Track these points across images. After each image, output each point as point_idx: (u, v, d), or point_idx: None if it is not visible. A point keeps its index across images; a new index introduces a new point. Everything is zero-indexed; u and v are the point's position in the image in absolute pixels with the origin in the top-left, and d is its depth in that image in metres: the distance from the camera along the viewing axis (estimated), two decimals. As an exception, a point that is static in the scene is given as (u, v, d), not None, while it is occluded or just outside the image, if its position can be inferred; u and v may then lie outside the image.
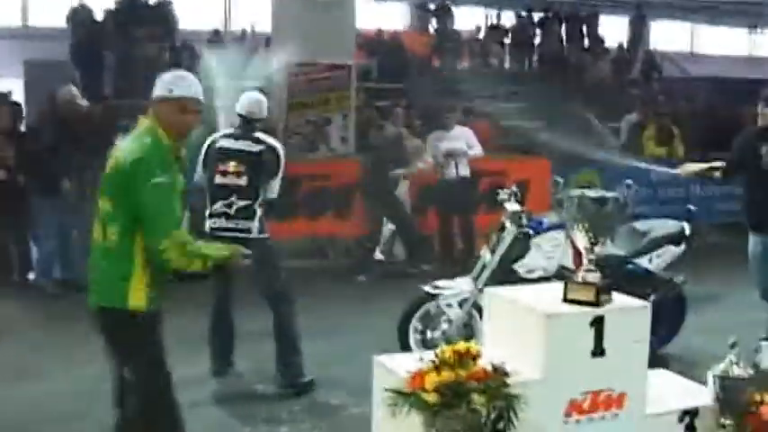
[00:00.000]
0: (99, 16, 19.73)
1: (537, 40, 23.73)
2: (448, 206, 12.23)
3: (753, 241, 7.94)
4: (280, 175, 7.21)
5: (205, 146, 7.33)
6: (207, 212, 7.11)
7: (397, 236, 12.38)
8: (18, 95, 18.41)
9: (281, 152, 7.28)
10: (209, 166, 7.23)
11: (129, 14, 19.43)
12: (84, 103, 10.91)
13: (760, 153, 7.80)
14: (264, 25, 21.93)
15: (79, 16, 19.92)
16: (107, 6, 20.00)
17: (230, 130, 7.29)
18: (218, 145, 7.23)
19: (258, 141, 7.13)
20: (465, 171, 12.09)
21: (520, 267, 7.14)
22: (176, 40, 20.47)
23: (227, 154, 7.12)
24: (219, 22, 25.14)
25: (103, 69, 18.22)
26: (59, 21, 21.38)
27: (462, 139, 12.22)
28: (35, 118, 12.35)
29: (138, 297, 4.69)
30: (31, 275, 11.14)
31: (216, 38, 21.77)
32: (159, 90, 4.86)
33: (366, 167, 11.86)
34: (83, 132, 10.47)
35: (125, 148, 4.72)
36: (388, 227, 12.33)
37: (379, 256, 12.47)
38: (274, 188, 7.22)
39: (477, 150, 12.29)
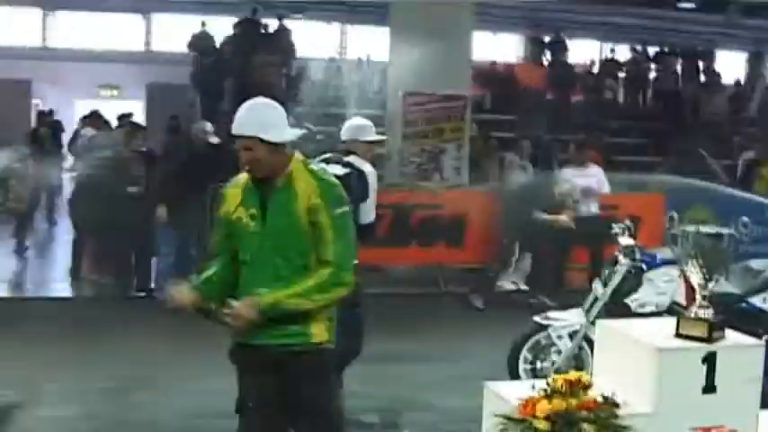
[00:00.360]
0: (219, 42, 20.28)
1: (652, 75, 23.54)
2: (584, 242, 12.05)
3: None
4: (370, 198, 7.18)
5: None
6: None
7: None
8: (138, 117, 19.12)
9: (370, 176, 7.21)
10: None
11: (248, 41, 19.91)
12: (215, 140, 11.39)
13: None
14: (380, 54, 22.40)
15: (201, 42, 20.45)
16: (227, 32, 20.54)
17: (326, 156, 7.34)
18: None
19: (346, 165, 7.03)
20: (596, 208, 11.99)
21: (631, 302, 7.14)
22: (293, 68, 20.89)
23: None
24: (335, 51, 25.50)
25: (223, 94, 18.67)
26: (180, 46, 22.05)
27: (596, 176, 12.13)
28: (165, 141, 12.94)
29: None
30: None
31: (333, 65, 22.07)
32: None
33: (509, 199, 11.97)
34: (210, 163, 10.94)
35: None
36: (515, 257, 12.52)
37: (508, 285, 12.62)
38: (368, 212, 7.19)
39: (606, 188, 12.12)
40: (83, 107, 21.26)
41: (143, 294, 11.58)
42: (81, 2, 27.28)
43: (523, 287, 12.57)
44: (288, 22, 21.37)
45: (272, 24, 21.00)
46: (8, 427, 6.83)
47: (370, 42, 25.09)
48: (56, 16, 28.06)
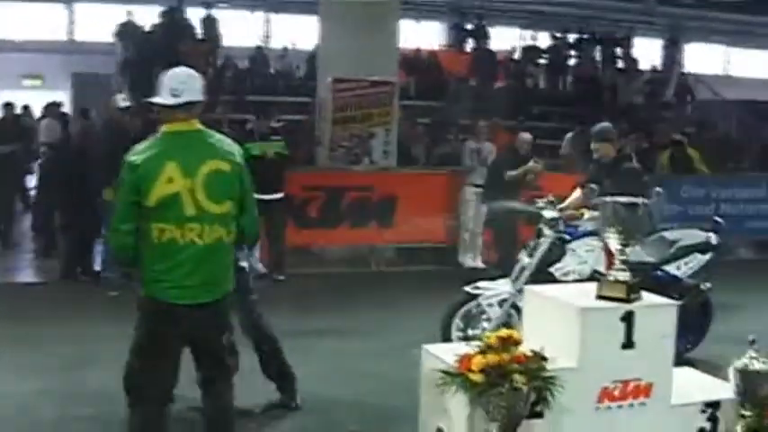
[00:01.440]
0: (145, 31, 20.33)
1: (572, 61, 24.02)
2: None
3: None
4: None
5: None
6: None
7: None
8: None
9: None
10: None
11: (175, 30, 19.98)
12: (125, 103, 11.40)
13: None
14: (304, 43, 22.64)
15: (127, 31, 20.48)
16: (153, 22, 20.58)
17: None
18: None
19: None
20: None
21: (556, 270, 7.53)
22: (219, 57, 21.03)
23: None
24: (259, 40, 25.64)
25: (151, 83, 18.72)
26: (104, 36, 22.05)
27: (489, 150, 13.28)
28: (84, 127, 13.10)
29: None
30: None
31: (259, 54, 22.21)
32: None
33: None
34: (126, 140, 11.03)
35: (232, 149, 5.12)
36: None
37: (469, 262, 13.15)
38: None
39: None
40: (6, 97, 21.11)
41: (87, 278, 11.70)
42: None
43: (481, 265, 12.99)
44: (214, 12, 21.44)
45: (199, 14, 21.05)
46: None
47: (294, 31, 25.39)
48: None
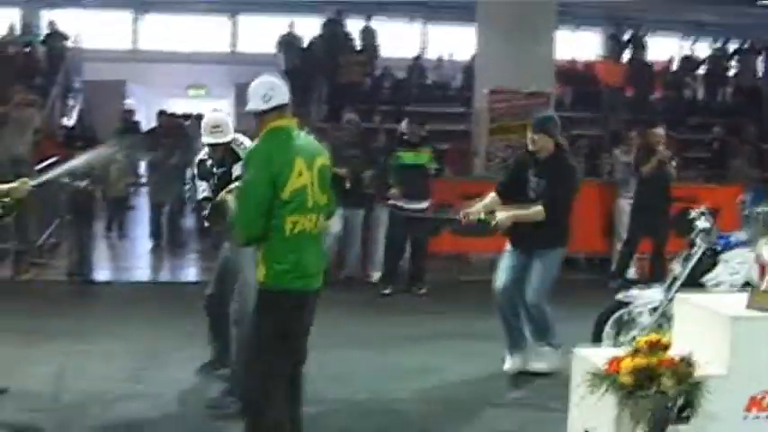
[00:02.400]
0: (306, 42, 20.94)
1: (732, 72, 23.56)
2: None
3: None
4: None
5: None
6: None
7: None
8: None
9: None
10: None
11: (334, 41, 20.50)
12: None
13: (528, 179, 8.02)
14: (460, 53, 22.88)
15: (289, 42, 21.11)
16: (314, 33, 21.18)
17: None
18: None
19: None
20: None
21: (707, 281, 7.54)
22: (377, 67, 21.45)
23: None
24: (417, 50, 25.95)
25: (311, 93, 19.27)
26: (266, 47, 22.75)
27: None
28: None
29: None
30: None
31: (416, 64, 22.53)
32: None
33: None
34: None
35: (320, 146, 5.53)
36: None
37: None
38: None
39: None
40: (172, 106, 22.05)
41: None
42: (170, 5, 28.13)
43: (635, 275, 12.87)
44: (372, 23, 21.86)
45: (358, 25, 21.52)
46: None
47: (451, 41, 25.63)
48: (146, 19, 28.91)
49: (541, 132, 8.05)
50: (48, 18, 24.20)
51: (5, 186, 6.49)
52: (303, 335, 5.40)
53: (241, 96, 23.10)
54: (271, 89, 5.30)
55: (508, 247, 8.31)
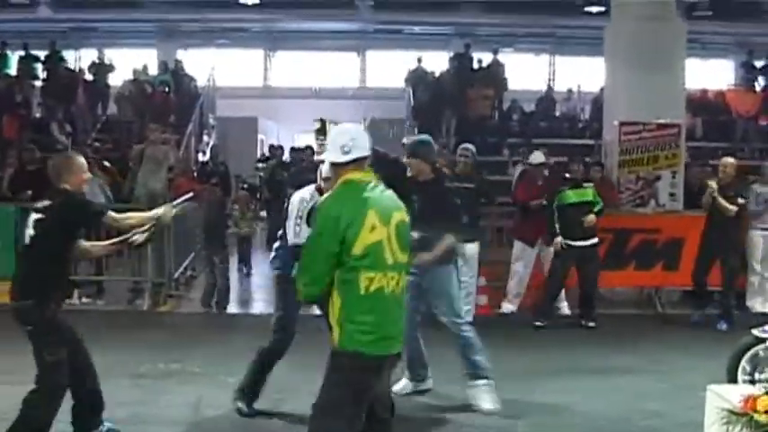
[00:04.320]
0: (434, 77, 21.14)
1: None
2: None
3: None
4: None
5: None
6: None
7: None
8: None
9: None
10: None
11: (463, 75, 20.64)
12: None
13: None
14: (588, 85, 22.77)
15: (417, 77, 21.34)
16: (442, 68, 21.37)
17: None
18: None
19: None
20: None
21: None
22: (505, 100, 21.50)
23: None
24: (544, 83, 25.91)
25: (441, 127, 19.44)
26: (394, 82, 23.05)
27: None
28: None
29: None
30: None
31: (546, 97, 22.51)
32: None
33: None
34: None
35: (401, 202, 5.16)
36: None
37: (759, 307, 12.80)
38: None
39: None
40: (303, 141, 22.46)
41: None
42: (299, 42, 28.76)
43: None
44: (500, 56, 21.95)
45: (486, 58, 21.62)
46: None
47: (579, 72, 25.53)
48: (276, 57, 29.58)
49: (414, 157, 8.08)
50: (182, 57, 25.03)
51: (154, 212, 6.67)
52: (382, 396, 5.16)
53: (370, 131, 23.52)
54: (351, 140, 5.01)
55: None
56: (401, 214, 5.03)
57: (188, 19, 26.30)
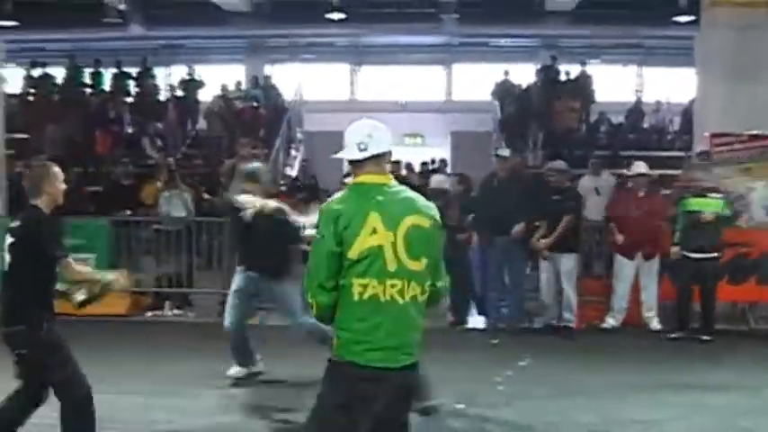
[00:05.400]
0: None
1: None
2: None
3: None
4: None
5: None
6: None
7: None
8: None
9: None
10: None
11: (550, 87, 20.57)
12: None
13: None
14: (677, 96, 22.49)
15: (504, 90, 21.32)
16: (529, 80, 21.32)
17: None
18: None
19: None
20: None
21: None
22: (593, 112, 21.35)
23: None
24: (632, 94, 25.66)
25: (528, 139, 19.40)
26: (480, 95, 23.02)
27: None
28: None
29: None
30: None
31: (635, 108, 22.30)
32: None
33: None
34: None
35: (429, 206, 4.76)
36: None
37: None
38: None
39: None
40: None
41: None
42: (386, 56, 28.89)
43: None
44: (588, 68, 21.81)
45: (572, 70, 21.51)
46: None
47: (668, 83, 25.22)
48: (362, 71, 29.74)
49: (251, 182, 9.00)
50: (269, 72, 25.36)
51: (104, 276, 6.48)
52: (388, 422, 4.63)
53: (457, 144, 23.54)
54: (368, 136, 4.69)
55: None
56: (417, 218, 4.62)
57: (275, 34, 26.61)
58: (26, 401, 6.22)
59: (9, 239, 6.08)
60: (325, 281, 4.58)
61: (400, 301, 4.55)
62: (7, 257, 6.09)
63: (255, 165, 9.83)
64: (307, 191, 14.70)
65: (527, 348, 10.61)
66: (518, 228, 11.78)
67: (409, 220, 4.59)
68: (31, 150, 17.40)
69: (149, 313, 13.42)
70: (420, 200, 4.73)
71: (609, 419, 7.97)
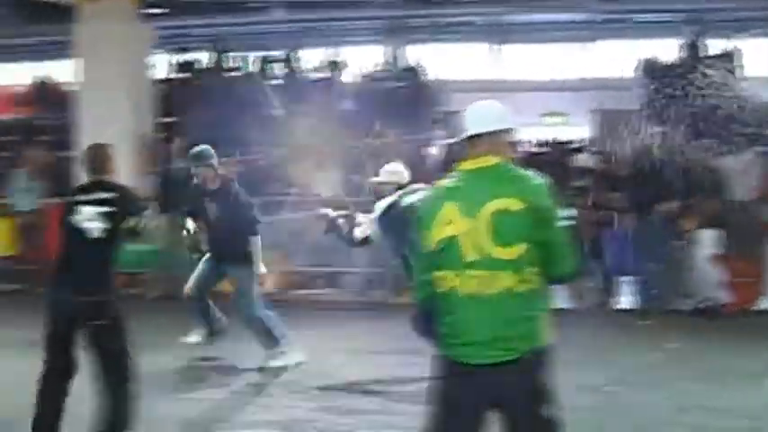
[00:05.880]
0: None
1: None
2: None
3: None
4: None
5: None
6: None
7: None
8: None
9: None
10: None
11: (694, 63, 20.12)
12: None
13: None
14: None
15: (651, 67, 20.93)
16: (673, 56, 20.87)
17: None
18: None
19: None
20: None
21: None
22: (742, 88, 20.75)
23: None
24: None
25: (672, 116, 19.01)
26: (625, 72, 22.63)
27: None
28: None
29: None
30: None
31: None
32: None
33: None
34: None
35: (532, 186, 4.53)
36: None
37: None
38: None
39: None
40: (529, 134, 22.50)
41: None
42: (526, 34, 28.63)
43: None
44: (733, 42, 21.24)
45: (718, 45, 20.98)
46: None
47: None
48: (503, 49, 29.56)
49: (202, 166, 9.68)
50: (410, 53, 25.44)
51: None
52: (485, 414, 4.46)
53: (600, 122, 23.27)
54: (470, 119, 4.62)
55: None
56: (505, 202, 4.36)
57: (415, 15, 26.65)
58: (107, 374, 6.64)
59: (102, 209, 6.54)
60: (420, 273, 4.59)
61: (487, 292, 4.33)
62: (99, 225, 6.53)
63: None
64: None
65: (677, 330, 10.52)
66: (666, 207, 11.65)
67: (493, 205, 4.36)
68: (179, 134, 17.96)
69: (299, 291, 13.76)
70: (523, 181, 4.49)
71: (755, 404, 7.88)
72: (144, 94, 17.04)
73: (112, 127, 15.80)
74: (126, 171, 15.34)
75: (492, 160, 4.51)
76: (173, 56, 23.70)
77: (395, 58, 23.81)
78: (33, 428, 6.57)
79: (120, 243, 6.62)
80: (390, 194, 8.72)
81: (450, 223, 4.40)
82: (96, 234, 6.50)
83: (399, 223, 7.94)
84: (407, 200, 8.24)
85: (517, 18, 27.63)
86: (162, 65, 21.99)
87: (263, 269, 9.67)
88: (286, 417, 7.92)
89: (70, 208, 6.61)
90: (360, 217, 9.16)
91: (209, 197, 9.60)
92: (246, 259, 9.51)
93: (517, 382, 4.34)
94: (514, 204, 4.35)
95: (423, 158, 18.53)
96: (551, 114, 27.92)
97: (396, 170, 9.06)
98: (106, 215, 6.51)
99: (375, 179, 9.06)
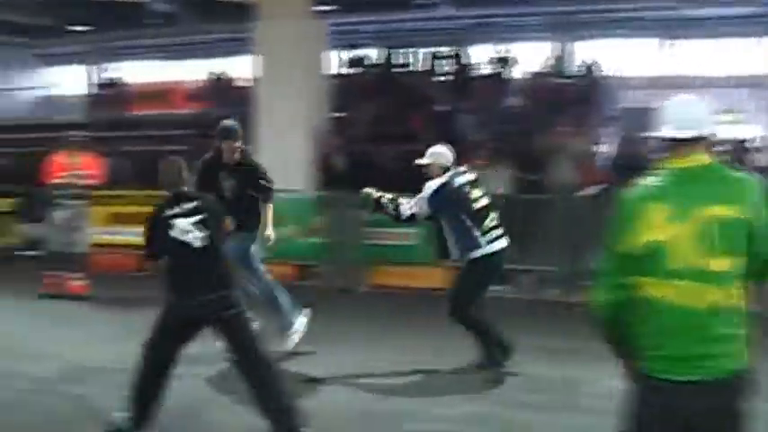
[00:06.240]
0: None
1: None
2: None
3: None
4: None
5: None
6: None
7: None
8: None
9: None
10: None
11: None
12: None
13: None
14: None
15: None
16: None
17: None
18: None
19: None
20: None
21: None
22: None
23: None
24: None
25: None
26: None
27: None
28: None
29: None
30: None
31: None
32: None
33: None
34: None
35: (752, 192, 4.10)
36: None
37: None
38: None
39: None
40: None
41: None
42: (695, 30, 27.97)
43: None
44: None
45: None
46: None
47: None
48: (672, 45, 28.94)
49: (226, 139, 9.66)
50: (578, 49, 25.21)
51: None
52: None
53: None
54: (690, 114, 4.19)
55: None
56: (722, 208, 3.96)
57: (584, 10, 26.37)
58: (245, 361, 7.01)
59: (197, 217, 6.96)
60: (610, 276, 4.17)
61: (689, 305, 3.96)
62: (198, 233, 6.93)
63: None
64: (628, 169, 14.50)
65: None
66: None
67: (708, 211, 3.96)
68: (348, 129, 18.25)
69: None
70: (741, 186, 4.08)
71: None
72: (318, 89, 17.33)
73: (288, 120, 16.22)
74: (299, 162, 15.93)
75: (704, 159, 4.12)
76: (343, 52, 24.08)
77: (563, 54, 23.59)
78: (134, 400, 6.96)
79: (224, 242, 7.11)
80: (438, 175, 9.01)
81: (655, 227, 4.00)
82: (199, 243, 6.90)
83: (451, 203, 8.86)
84: (458, 180, 8.96)
85: (687, 13, 27.10)
86: (333, 61, 22.36)
87: (272, 234, 9.88)
88: (465, 412, 7.92)
89: (165, 224, 6.92)
90: (401, 198, 9.24)
91: (229, 172, 9.75)
92: (258, 224, 9.88)
93: (712, 405, 3.97)
94: (731, 211, 3.97)
95: (594, 155, 18.29)
96: (725, 112, 27.18)
97: (441, 151, 9.23)
98: (200, 223, 6.94)
99: (421, 160, 9.16)
